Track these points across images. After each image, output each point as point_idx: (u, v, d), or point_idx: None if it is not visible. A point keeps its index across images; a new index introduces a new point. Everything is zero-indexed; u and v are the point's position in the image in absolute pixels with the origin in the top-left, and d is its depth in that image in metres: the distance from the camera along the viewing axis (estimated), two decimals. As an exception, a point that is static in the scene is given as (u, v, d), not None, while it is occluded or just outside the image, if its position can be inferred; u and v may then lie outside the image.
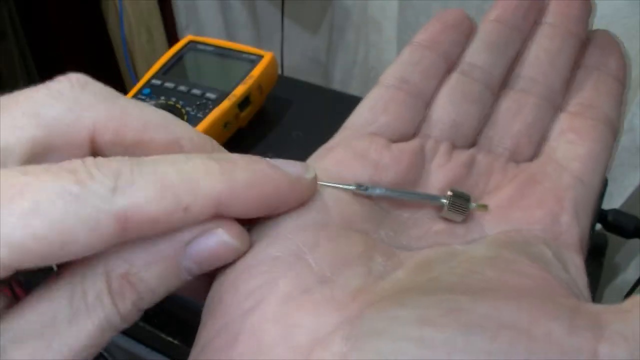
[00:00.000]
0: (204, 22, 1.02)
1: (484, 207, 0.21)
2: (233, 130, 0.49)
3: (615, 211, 0.51)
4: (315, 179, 0.19)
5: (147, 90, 0.50)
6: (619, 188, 0.63)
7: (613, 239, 0.54)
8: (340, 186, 0.20)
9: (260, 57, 0.50)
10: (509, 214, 0.21)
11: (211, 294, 0.18)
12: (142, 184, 0.16)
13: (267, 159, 0.18)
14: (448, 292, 0.17)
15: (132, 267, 0.17)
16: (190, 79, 0.52)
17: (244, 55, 0.51)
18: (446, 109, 0.24)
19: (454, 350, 0.14)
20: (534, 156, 0.24)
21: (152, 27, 1.06)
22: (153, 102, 0.48)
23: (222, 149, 0.20)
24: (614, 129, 0.24)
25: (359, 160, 0.22)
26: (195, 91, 0.49)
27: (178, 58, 0.54)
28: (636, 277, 0.58)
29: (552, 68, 0.25)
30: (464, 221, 0.21)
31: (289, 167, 0.19)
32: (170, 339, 0.42)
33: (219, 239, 0.17)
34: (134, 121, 0.18)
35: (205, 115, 0.47)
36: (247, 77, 0.48)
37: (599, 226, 0.52)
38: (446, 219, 0.21)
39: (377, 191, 0.21)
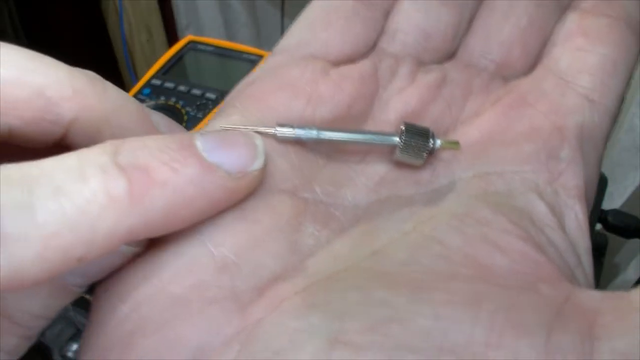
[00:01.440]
0: (204, 22, 1.02)
1: (454, 144, 0.16)
2: (233, 130, 0.50)
3: (615, 211, 0.51)
4: (264, 167, 0.14)
5: (147, 90, 0.51)
6: (619, 188, 0.63)
7: (613, 239, 0.54)
8: (255, 129, 0.15)
9: (260, 57, 0.50)
10: (489, 151, 0.16)
11: (94, 296, 0.14)
12: (18, 245, 0.11)
13: (200, 143, 0.13)
14: (385, 283, 0.13)
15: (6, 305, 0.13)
16: (190, 79, 0.52)
17: (244, 55, 0.52)
18: (410, 15, 0.18)
19: None
20: (529, 71, 0.18)
21: (152, 27, 1.05)
22: (153, 102, 0.49)
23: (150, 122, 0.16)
24: (637, 30, 0.18)
25: (285, 92, 0.16)
26: (195, 91, 0.49)
27: (178, 58, 0.54)
28: (636, 277, 0.58)
29: None
30: (428, 164, 0.16)
31: (232, 156, 0.14)
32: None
33: (119, 252, 0.13)
34: None
35: (205, 115, 0.47)
36: (247, 77, 0.49)
37: (599, 226, 0.52)
38: (403, 163, 0.16)
39: (305, 133, 0.15)
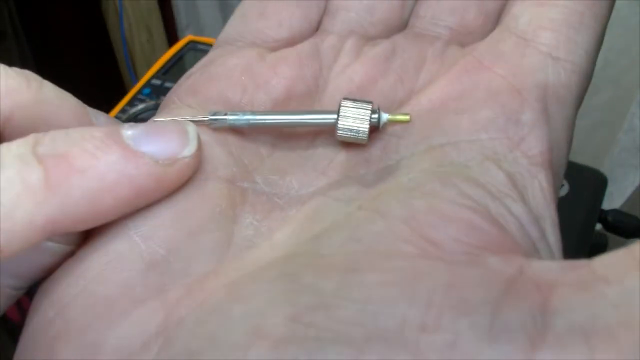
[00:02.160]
0: (204, 22, 1.02)
1: (403, 117, 0.15)
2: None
3: (615, 211, 0.51)
4: (197, 153, 0.14)
5: (147, 90, 0.51)
6: (619, 188, 0.63)
7: (613, 239, 0.54)
8: (187, 119, 0.15)
9: (260, 57, 0.51)
10: (443, 120, 0.15)
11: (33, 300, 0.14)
12: None
13: (127, 132, 0.13)
14: (317, 268, 0.12)
15: None
16: (190, 79, 0.52)
17: (244, 55, 0.52)
18: None
19: None
20: (488, 34, 0.17)
21: (152, 27, 1.05)
22: (153, 102, 0.49)
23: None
24: None
25: (221, 82, 0.16)
26: (195, 91, 0.49)
27: (178, 58, 0.54)
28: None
29: None
30: (379, 140, 0.15)
31: (160, 142, 0.13)
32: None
33: (48, 250, 0.13)
34: None
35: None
36: (247, 77, 0.49)
37: (599, 226, 0.52)
38: (349, 144, 0.15)
39: (236, 118, 0.15)
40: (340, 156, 0.15)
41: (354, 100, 0.15)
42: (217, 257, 0.13)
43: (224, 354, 0.11)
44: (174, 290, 0.12)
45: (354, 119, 0.15)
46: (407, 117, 0.15)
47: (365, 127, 0.15)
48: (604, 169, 0.50)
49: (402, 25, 0.17)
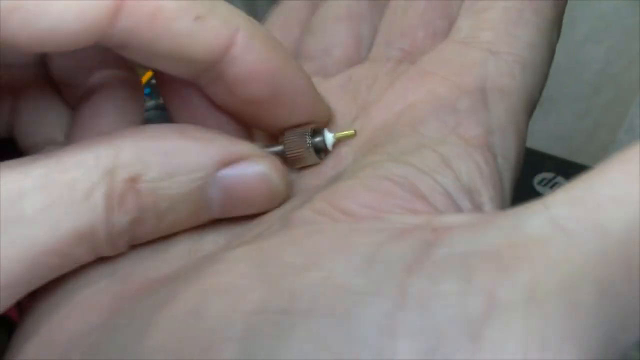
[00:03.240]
0: (204, 22, 1.02)
1: (349, 132, 0.16)
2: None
3: (615, 211, 0.51)
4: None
5: (147, 90, 0.51)
6: (619, 188, 0.62)
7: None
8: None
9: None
10: (388, 125, 0.16)
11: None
12: None
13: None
14: (226, 257, 0.13)
15: (147, 172, 0.13)
16: (191, 78, 0.52)
17: (244, 55, 0.52)
18: (307, 41, 0.20)
19: (187, 323, 0.11)
20: None
21: (152, 27, 1.05)
22: (153, 102, 0.49)
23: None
24: None
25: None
26: (196, 91, 0.49)
27: (178, 58, 0.54)
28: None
29: None
30: (334, 156, 0.17)
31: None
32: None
33: (261, 170, 0.14)
34: None
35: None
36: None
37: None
38: (305, 167, 0.17)
39: None
40: (298, 173, 0.17)
41: (294, 129, 0.16)
42: (175, 267, 0.14)
43: (126, 342, 0.12)
44: (129, 293, 0.13)
45: (298, 147, 0.16)
46: (352, 132, 0.16)
47: (309, 151, 0.16)
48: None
49: (361, 59, 0.19)
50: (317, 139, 0.16)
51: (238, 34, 0.14)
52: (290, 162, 0.17)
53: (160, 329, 0.11)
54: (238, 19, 0.14)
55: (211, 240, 0.15)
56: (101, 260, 0.14)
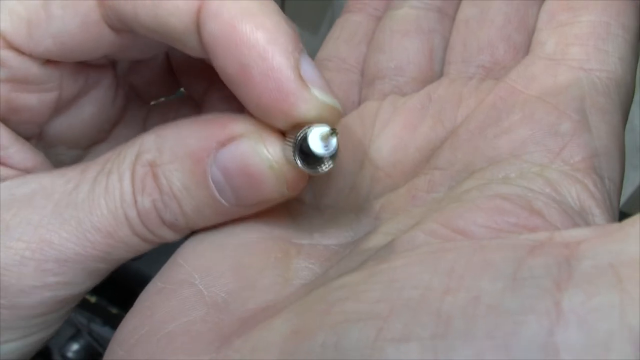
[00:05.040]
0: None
1: (326, 133, 0.14)
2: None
3: (615, 211, 0.51)
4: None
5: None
6: (619, 188, 0.63)
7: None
8: None
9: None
10: (482, 146, 0.15)
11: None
12: None
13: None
14: (348, 273, 0.13)
15: (160, 157, 0.14)
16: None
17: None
18: (376, 59, 0.19)
19: (325, 356, 0.11)
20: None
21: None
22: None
23: None
24: None
25: None
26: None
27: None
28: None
29: None
30: (424, 175, 0.16)
31: None
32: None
33: (252, 147, 0.14)
34: None
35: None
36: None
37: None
38: (390, 186, 0.17)
39: None
40: (389, 197, 0.16)
41: (293, 130, 0.15)
42: (273, 295, 0.14)
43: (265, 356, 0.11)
44: (230, 324, 0.14)
45: (289, 154, 0.15)
46: (328, 130, 0.14)
47: (297, 162, 0.15)
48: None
49: (435, 76, 0.18)
50: (305, 144, 0.14)
51: None
52: (311, 172, 0.15)
53: None
54: None
55: (303, 267, 0.15)
56: (191, 288, 0.14)
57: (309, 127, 0.14)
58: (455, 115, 0.17)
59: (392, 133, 0.17)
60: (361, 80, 0.20)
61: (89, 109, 0.18)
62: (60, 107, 0.17)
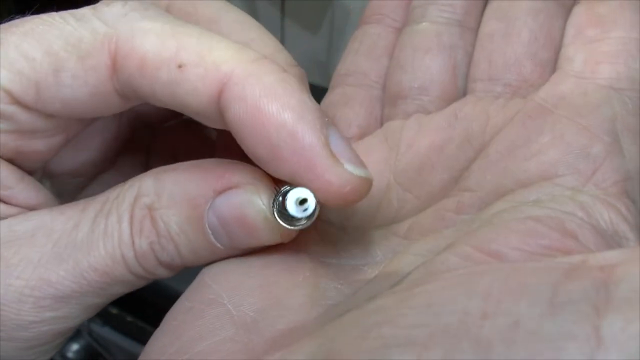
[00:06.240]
0: (204, 22, 1.02)
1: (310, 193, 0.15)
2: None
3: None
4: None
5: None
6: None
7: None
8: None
9: (260, 57, 0.50)
10: (512, 168, 0.15)
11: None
12: (142, 23, 0.14)
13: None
14: (380, 296, 0.13)
15: (158, 200, 0.15)
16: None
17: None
18: (398, 78, 0.19)
19: None
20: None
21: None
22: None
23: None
24: None
25: None
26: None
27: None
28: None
29: None
30: (452, 197, 0.16)
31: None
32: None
33: (248, 198, 0.15)
34: None
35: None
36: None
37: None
38: (413, 206, 0.17)
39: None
40: (417, 218, 0.16)
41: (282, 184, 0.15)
42: (302, 316, 0.14)
43: None
44: (261, 344, 0.13)
45: (286, 220, 0.16)
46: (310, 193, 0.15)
47: (283, 225, 0.15)
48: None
49: (459, 93, 0.18)
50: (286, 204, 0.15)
51: (230, 80, 0.14)
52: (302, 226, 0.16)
53: None
54: (235, 62, 0.14)
55: (332, 288, 0.15)
56: (220, 308, 0.15)
57: (290, 188, 0.15)
58: (483, 135, 0.16)
59: (418, 153, 0.17)
60: (383, 95, 0.20)
61: (94, 141, 0.18)
62: (66, 143, 0.17)
